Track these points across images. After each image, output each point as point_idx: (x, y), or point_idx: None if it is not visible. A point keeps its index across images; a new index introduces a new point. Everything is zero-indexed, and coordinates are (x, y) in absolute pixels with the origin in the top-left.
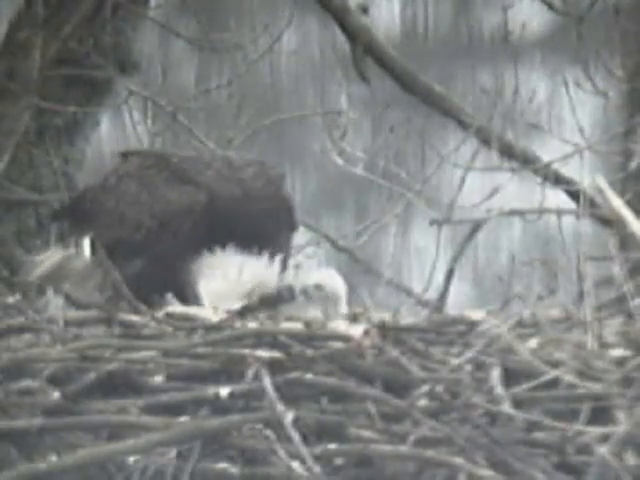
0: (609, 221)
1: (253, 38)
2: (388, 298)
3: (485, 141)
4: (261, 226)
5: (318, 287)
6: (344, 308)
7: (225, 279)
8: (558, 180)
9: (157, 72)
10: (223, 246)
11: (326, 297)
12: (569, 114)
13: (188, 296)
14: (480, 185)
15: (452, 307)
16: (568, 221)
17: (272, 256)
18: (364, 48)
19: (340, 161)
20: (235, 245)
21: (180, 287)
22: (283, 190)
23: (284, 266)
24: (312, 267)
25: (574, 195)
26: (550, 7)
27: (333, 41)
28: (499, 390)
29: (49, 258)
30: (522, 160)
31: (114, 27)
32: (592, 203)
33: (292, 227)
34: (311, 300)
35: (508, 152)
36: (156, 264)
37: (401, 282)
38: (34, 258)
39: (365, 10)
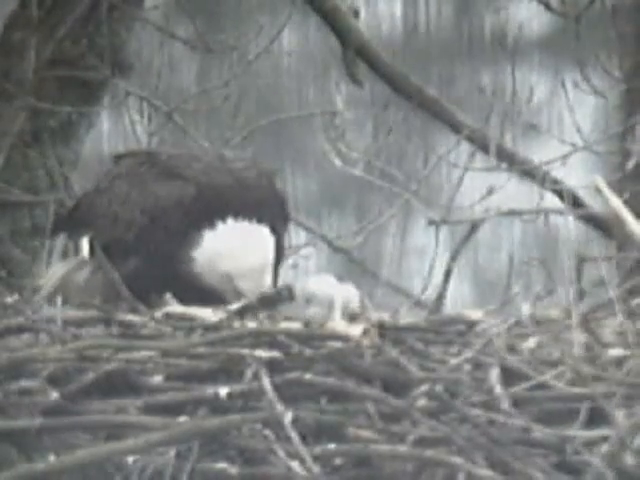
0: (603, 222)
1: (250, 39)
2: (387, 298)
3: (478, 143)
4: (253, 213)
5: (312, 295)
6: (337, 314)
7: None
8: (553, 182)
9: (158, 73)
10: (217, 221)
11: (319, 303)
12: (569, 114)
13: (191, 289)
14: (480, 185)
15: (452, 307)
16: (568, 221)
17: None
18: (355, 51)
19: (338, 162)
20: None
21: (180, 282)
22: (275, 182)
23: (280, 259)
24: (311, 272)
25: (565, 197)
26: (547, 7)
27: (331, 42)
28: (498, 390)
29: (50, 278)
30: (514, 162)
31: (108, 28)
32: (579, 203)
33: (285, 219)
34: (305, 305)
35: (501, 155)
36: (151, 261)
37: (401, 282)
38: (38, 282)
39: (356, 14)
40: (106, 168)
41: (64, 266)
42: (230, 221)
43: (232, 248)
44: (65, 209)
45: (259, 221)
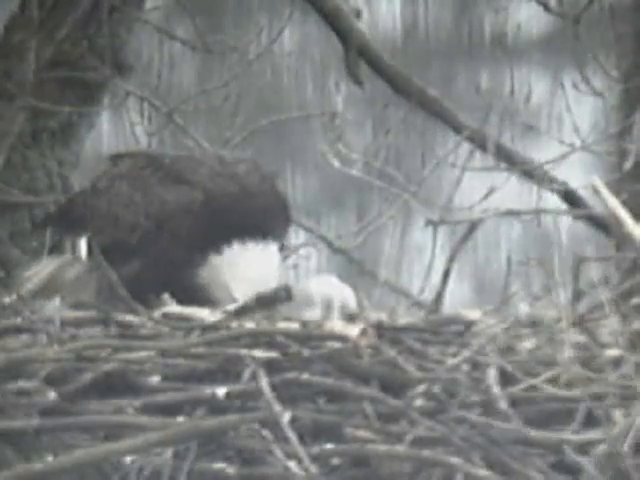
0: (603, 222)
1: (250, 40)
2: (386, 299)
3: (479, 144)
4: (258, 222)
5: (310, 296)
6: (335, 315)
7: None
8: (553, 181)
9: (158, 74)
10: (222, 243)
11: (317, 304)
12: (568, 114)
13: (200, 300)
14: (480, 185)
15: (452, 307)
16: (567, 221)
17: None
18: (357, 51)
19: (336, 163)
20: (236, 240)
21: (182, 289)
22: (276, 186)
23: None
24: (311, 272)
25: (567, 197)
26: (545, 8)
27: (331, 42)
28: (496, 390)
29: (40, 271)
30: (514, 162)
31: (109, 29)
32: (585, 206)
33: (287, 223)
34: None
35: (501, 155)
36: (154, 265)
37: (400, 283)
38: (24, 273)
39: (358, 15)
40: (101, 168)
41: (52, 262)
42: (236, 244)
43: (236, 265)
44: (56, 205)
45: (264, 234)
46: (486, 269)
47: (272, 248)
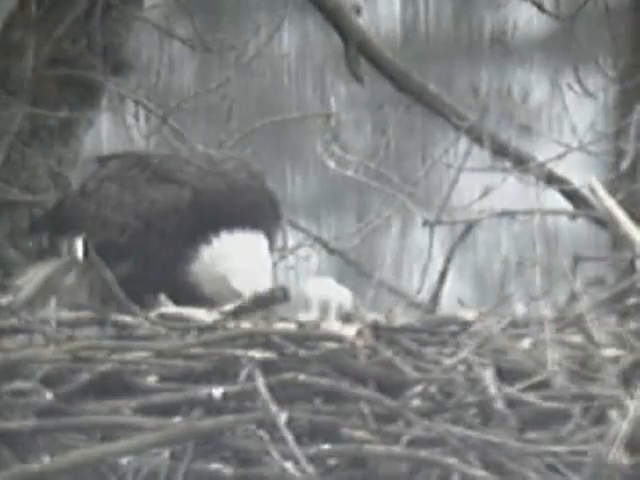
0: (603, 221)
1: (246, 40)
2: (384, 299)
3: (478, 141)
4: (247, 219)
5: (307, 297)
6: (332, 315)
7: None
8: (551, 180)
9: (157, 73)
10: (211, 235)
11: (314, 305)
12: (566, 115)
13: (194, 298)
14: (480, 185)
15: (452, 308)
16: (566, 221)
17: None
18: (357, 48)
19: (332, 164)
20: (224, 231)
21: (175, 288)
22: (265, 182)
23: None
24: (311, 273)
25: (568, 195)
26: (540, 8)
27: (329, 42)
28: (492, 390)
29: (34, 276)
30: (515, 160)
31: (107, 28)
32: (586, 203)
33: (277, 219)
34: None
35: (501, 152)
36: (145, 265)
37: (400, 283)
38: (19, 279)
39: (359, 11)
40: (90, 170)
41: (46, 266)
42: (224, 234)
43: (229, 255)
44: (47, 209)
45: (253, 226)
46: (486, 269)
47: (262, 241)
